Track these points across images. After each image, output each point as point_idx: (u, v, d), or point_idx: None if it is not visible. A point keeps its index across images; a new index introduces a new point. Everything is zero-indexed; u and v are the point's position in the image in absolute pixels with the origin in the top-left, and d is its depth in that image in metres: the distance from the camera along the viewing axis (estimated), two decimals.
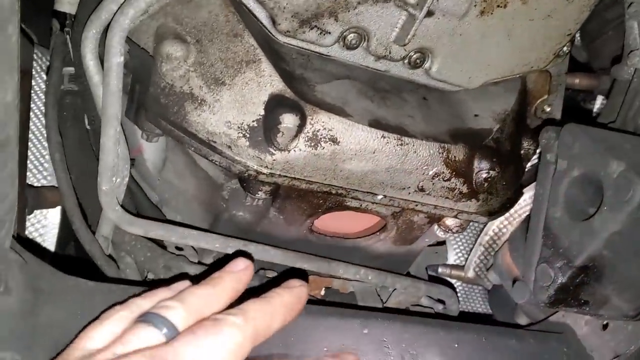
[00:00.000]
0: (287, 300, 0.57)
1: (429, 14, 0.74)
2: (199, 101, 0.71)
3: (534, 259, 0.70)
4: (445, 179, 0.78)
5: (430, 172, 0.77)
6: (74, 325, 0.54)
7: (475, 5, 0.76)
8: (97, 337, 0.50)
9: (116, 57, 0.66)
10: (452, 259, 1.19)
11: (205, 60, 0.71)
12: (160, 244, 0.82)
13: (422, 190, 0.78)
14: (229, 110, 0.71)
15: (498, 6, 0.77)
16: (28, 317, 0.53)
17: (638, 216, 0.63)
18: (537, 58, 0.84)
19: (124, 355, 0.46)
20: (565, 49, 0.85)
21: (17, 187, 0.46)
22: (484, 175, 0.79)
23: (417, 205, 0.79)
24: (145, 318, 0.50)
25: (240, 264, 0.58)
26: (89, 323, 0.51)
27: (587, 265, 0.65)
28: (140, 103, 0.73)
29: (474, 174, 0.79)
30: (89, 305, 0.57)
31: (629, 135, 0.74)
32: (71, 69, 0.89)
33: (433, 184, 0.78)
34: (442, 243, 1.14)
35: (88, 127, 0.90)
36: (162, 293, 0.56)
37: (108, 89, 0.66)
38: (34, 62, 0.98)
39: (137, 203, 0.88)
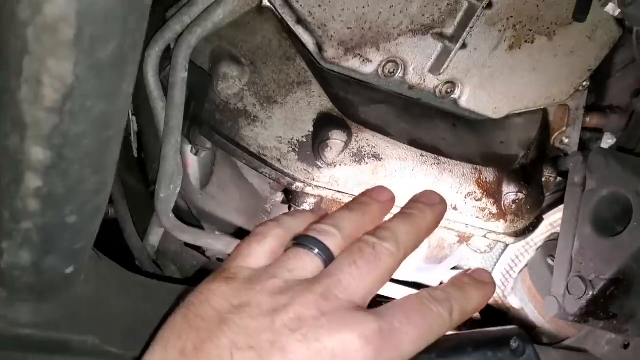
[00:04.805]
0: (430, 221, 0.55)
1: (462, 46, 0.80)
2: (252, 117, 0.75)
3: (565, 274, 0.74)
4: (477, 198, 0.83)
5: (464, 192, 0.82)
6: (142, 316, 0.57)
7: (505, 40, 0.82)
8: (258, 254, 0.49)
9: (181, 73, 0.71)
10: None
11: (259, 81, 0.76)
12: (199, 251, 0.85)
13: (455, 208, 0.83)
14: (280, 126, 0.75)
15: (526, 42, 0.83)
16: (104, 306, 0.57)
17: None
18: (559, 91, 0.91)
19: (297, 292, 0.45)
20: (585, 83, 0.92)
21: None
22: (512, 197, 0.84)
23: (449, 223, 0.84)
24: (304, 241, 0.49)
25: (386, 194, 0.58)
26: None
27: (617, 278, 0.69)
28: (195, 118, 0.78)
29: (503, 196, 0.84)
30: (155, 300, 0.60)
31: None
32: None
33: (465, 203, 0.83)
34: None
35: (132, 138, 0.94)
36: (307, 215, 0.56)
37: (172, 101, 0.71)
38: None
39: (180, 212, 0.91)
